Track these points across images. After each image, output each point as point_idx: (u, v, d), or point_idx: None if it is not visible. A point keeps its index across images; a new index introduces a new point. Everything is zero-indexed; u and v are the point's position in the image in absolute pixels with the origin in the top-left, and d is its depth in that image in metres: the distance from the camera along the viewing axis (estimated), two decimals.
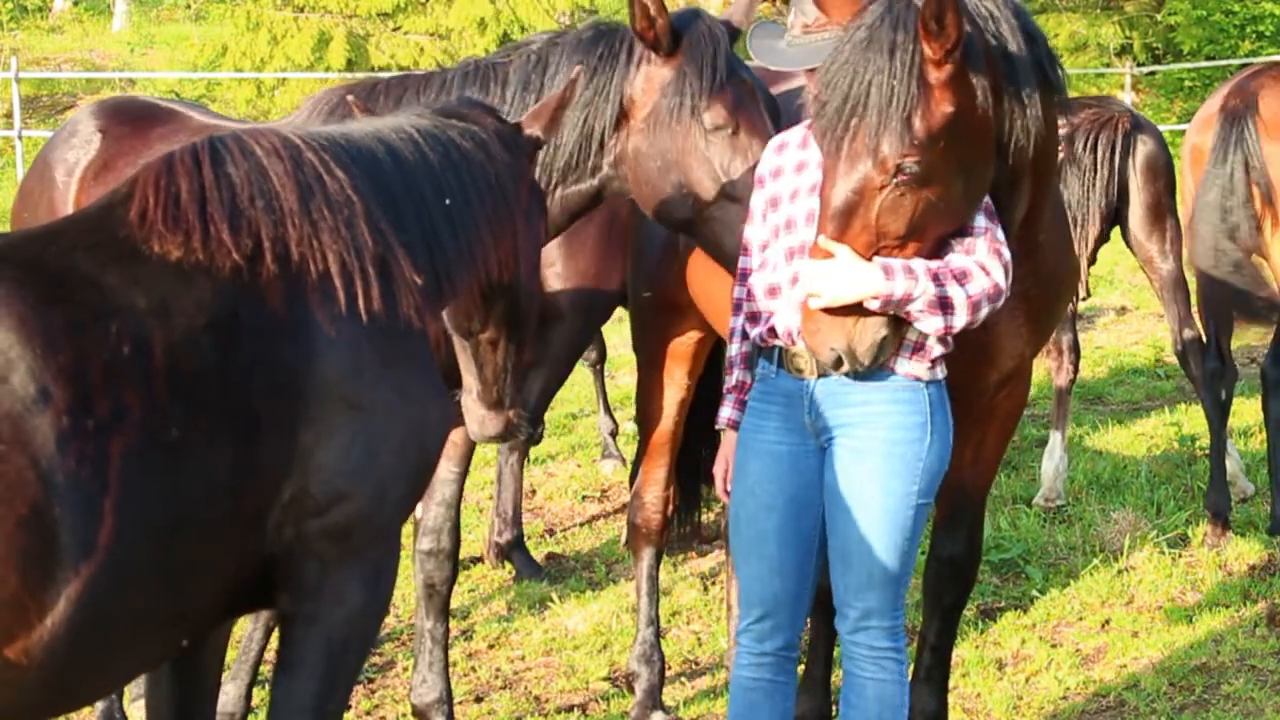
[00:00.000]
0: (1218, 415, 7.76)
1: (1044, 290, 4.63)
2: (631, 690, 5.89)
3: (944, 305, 3.97)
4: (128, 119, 5.68)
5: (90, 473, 2.99)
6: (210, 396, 3.20)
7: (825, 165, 3.93)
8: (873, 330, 3.91)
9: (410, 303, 3.47)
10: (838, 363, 3.95)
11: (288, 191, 3.38)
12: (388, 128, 3.75)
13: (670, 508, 5.88)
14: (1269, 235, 7.37)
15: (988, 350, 4.47)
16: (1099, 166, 8.00)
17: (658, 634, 5.92)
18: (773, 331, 4.25)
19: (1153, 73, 25.10)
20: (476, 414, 4.12)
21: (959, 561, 4.94)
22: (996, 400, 4.31)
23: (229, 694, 5.39)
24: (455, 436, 5.31)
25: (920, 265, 3.95)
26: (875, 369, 4.09)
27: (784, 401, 4.27)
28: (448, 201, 3.65)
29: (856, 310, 3.88)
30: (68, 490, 2.95)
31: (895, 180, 3.82)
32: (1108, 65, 24.85)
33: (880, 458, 4.15)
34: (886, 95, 3.80)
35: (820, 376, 4.18)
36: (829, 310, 3.87)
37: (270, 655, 4.35)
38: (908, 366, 4.16)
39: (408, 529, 6.10)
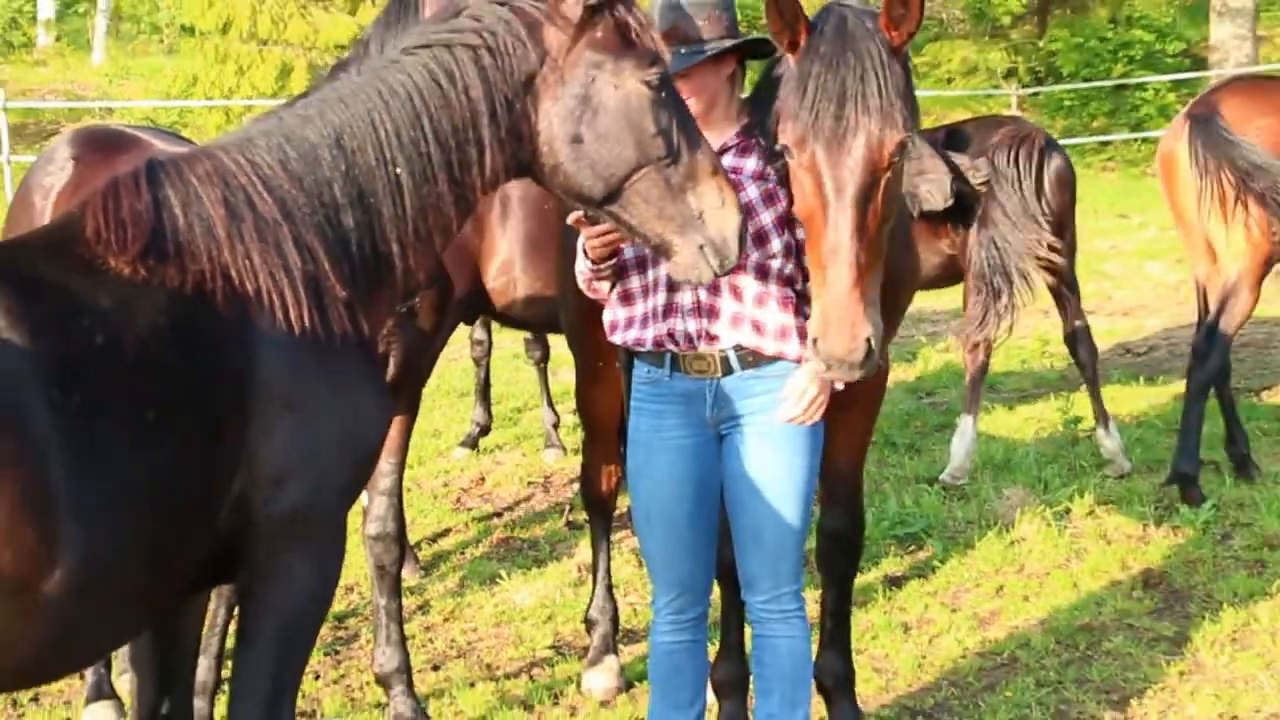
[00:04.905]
0: (1199, 390, 7.79)
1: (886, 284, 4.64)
2: (589, 634, 5.95)
3: None
4: (98, 146, 5.62)
5: (82, 443, 2.99)
6: (176, 388, 3.19)
7: (825, 165, 3.86)
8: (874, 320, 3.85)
9: (337, 314, 3.41)
10: (869, 348, 3.82)
11: (219, 216, 3.34)
12: (352, 92, 3.54)
13: (615, 480, 5.90)
14: (1226, 220, 7.60)
15: None
16: (1023, 178, 8.07)
17: (610, 588, 5.99)
18: (672, 338, 4.22)
19: (1036, 93, 25.32)
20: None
21: (843, 534, 4.95)
22: (855, 388, 4.33)
23: (200, 665, 5.34)
24: (390, 432, 5.27)
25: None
26: (769, 359, 4.17)
27: (683, 401, 4.25)
28: (397, 171, 3.50)
29: (860, 313, 3.82)
30: (64, 456, 2.96)
31: (892, 162, 3.85)
32: (996, 87, 25.05)
33: (784, 439, 4.17)
34: (878, 87, 3.81)
35: (725, 375, 4.20)
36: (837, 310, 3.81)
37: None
38: (799, 351, 4.17)
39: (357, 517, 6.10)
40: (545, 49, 3.52)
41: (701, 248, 3.58)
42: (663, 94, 3.56)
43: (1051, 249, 7.90)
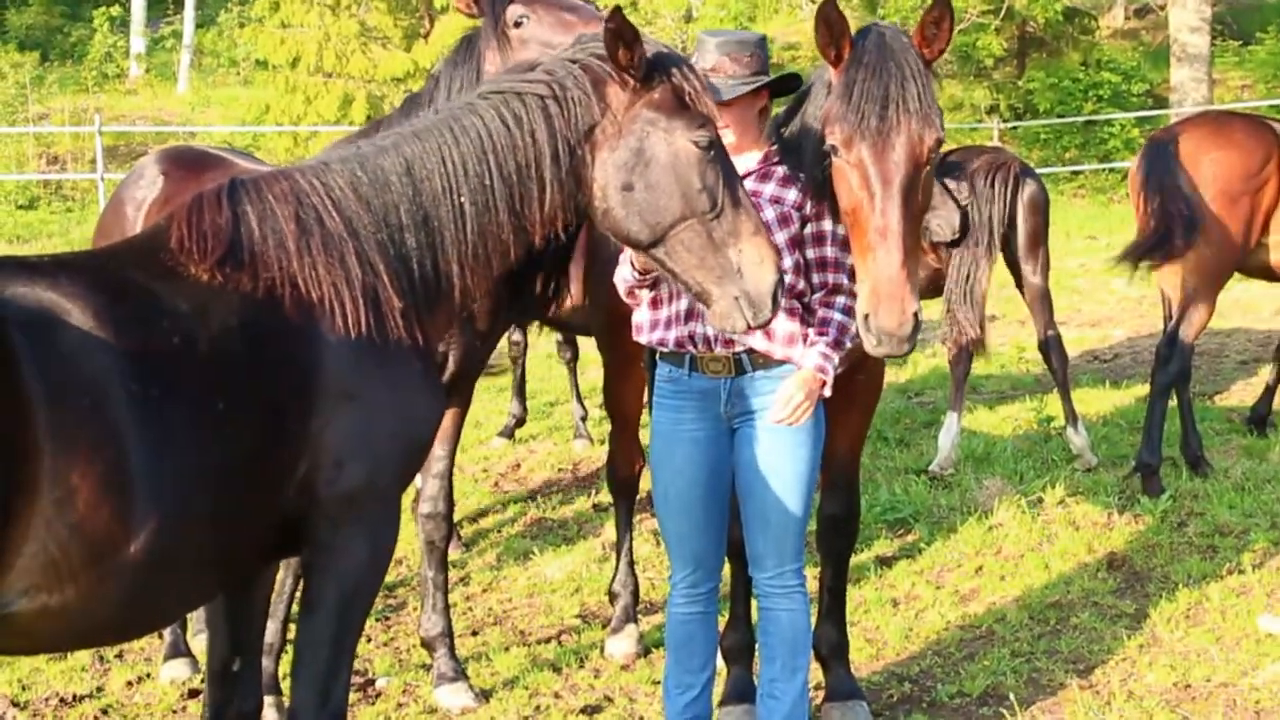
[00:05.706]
0: (1161, 390, 7.71)
1: None
2: (612, 605, 5.94)
3: (843, 329, 4.17)
4: (185, 164, 5.60)
5: (157, 429, 3.00)
6: (245, 382, 3.19)
7: (871, 160, 3.85)
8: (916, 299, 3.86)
9: (394, 322, 3.40)
10: (916, 322, 3.83)
11: (290, 231, 3.35)
12: (426, 128, 3.56)
13: (637, 468, 5.88)
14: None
15: None
16: (995, 200, 8.04)
17: (632, 565, 5.97)
18: (692, 340, 4.21)
19: (1015, 127, 25.20)
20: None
21: (840, 517, 4.94)
22: (854, 390, 4.31)
23: (268, 628, 5.33)
24: (445, 423, 5.26)
25: (830, 332, 4.11)
26: (778, 362, 4.15)
27: (699, 397, 4.24)
28: (462, 199, 3.50)
29: (909, 290, 3.81)
30: (140, 442, 2.97)
31: (930, 158, 3.85)
32: (980, 122, 24.92)
33: (790, 433, 4.14)
34: (917, 92, 3.82)
35: (738, 375, 4.17)
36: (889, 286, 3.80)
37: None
38: (801, 355, 4.15)
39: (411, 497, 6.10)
40: (608, 104, 3.53)
41: (737, 299, 3.54)
42: (711, 154, 3.53)
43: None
